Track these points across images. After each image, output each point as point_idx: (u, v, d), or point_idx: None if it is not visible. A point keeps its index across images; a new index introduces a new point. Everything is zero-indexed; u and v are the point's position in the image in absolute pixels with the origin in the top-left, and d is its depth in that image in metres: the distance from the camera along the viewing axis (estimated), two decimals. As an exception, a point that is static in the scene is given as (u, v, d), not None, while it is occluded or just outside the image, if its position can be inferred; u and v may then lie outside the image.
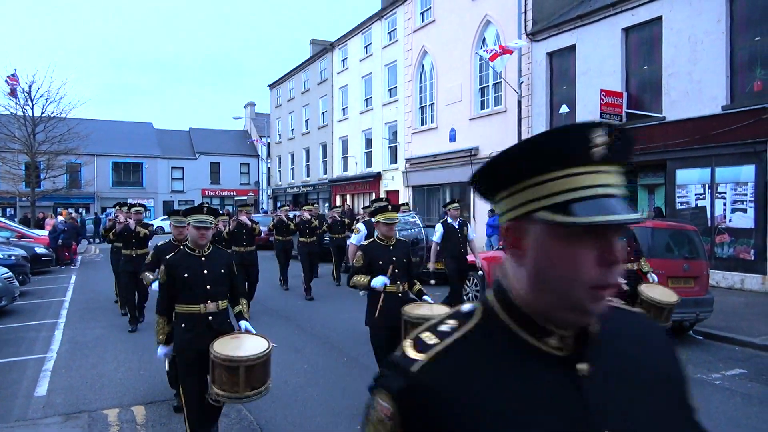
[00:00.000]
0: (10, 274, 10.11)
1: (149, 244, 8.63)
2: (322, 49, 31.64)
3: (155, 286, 5.00)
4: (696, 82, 12.20)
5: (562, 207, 0.79)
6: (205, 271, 3.88)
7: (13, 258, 12.30)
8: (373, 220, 5.22)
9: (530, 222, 0.83)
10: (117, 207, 10.01)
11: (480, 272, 9.39)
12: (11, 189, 28.54)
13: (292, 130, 36.39)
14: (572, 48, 15.40)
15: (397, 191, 23.60)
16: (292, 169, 36.45)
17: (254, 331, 3.94)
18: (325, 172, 31.60)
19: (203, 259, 3.92)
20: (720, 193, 11.85)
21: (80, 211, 32.90)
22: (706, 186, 12.09)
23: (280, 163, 38.91)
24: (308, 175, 34.00)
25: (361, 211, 13.34)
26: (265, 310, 9.57)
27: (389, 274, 4.65)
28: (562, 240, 0.80)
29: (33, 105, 26.95)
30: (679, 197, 12.64)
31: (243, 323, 3.99)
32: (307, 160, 34.12)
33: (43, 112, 27.16)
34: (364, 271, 4.73)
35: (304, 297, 10.82)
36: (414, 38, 22.84)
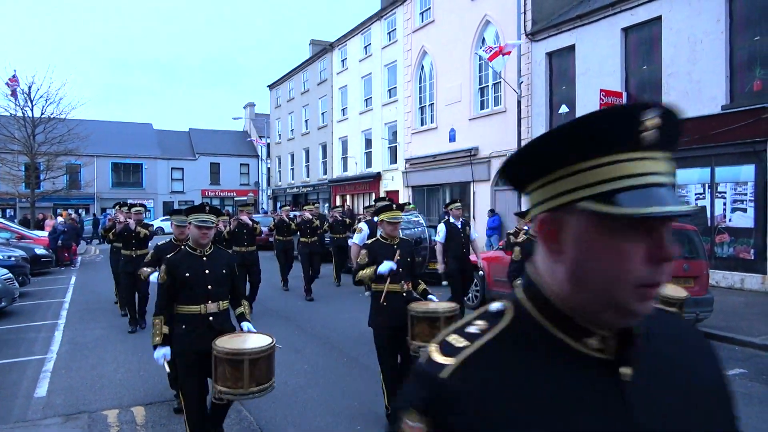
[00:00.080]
0: (10, 275, 10.11)
1: (149, 244, 8.62)
2: (322, 50, 31.65)
3: (153, 278, 4.98)
4: (695, 82, 12.20)
5: (607, 197, 0.72)
6: (207, 271, 3.84)
7: (12, 259, 12.30)
8: (375, 219, 5.22)
9: (570, 213, 0.76)
10: (117, 207, 9.99)
11: (481, 272, 9.38)
12: (11, 190, 28.56)
13: (291, 130, 36.39)
14: (572, 48, 15.41)
15: (397, 191, 23.60)
16: (292, 169, 36.45)
17: (256, 332, 3.93)
18: (325, 173, 31.60)
19: (205, 258, 3.89)
20: (720, 192, 11.86)
21: (80, 212, 32.91)
22: (706, 186, 12.10)
23: (279, 163, 38.91)
24: (308, 176, 34.00)
25: (363, 211, 13.33)
26: (265, 310, 9.56)
27: (396, 259, 4.63)
28: (607, 233, 0.73)
29: (33, 106, 26.97)
30: (679, 197, 12.62)
31: (245, 324, 3.95)
32: (307, 160, 34.12)
33: (42, 113, 27.17)
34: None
35: (304, 297, 10.82)
36: (413, 38, 22.84)
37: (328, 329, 8.26)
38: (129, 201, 10.28)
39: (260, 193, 43.65)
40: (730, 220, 11.70)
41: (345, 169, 29.25)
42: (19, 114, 26.81)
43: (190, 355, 3.74)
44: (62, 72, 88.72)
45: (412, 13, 22.94)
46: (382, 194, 23.51)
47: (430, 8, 21.86)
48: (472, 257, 8.90)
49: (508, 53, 14.44)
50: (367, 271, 4.61)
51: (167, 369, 3.66)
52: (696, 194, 12.30)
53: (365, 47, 27.10)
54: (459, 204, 8.65)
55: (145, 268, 5.85)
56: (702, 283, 7.71)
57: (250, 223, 9.66)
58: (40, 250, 15.73)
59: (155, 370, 6.07)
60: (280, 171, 38.92)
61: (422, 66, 22.66)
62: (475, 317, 0.84)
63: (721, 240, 11.84)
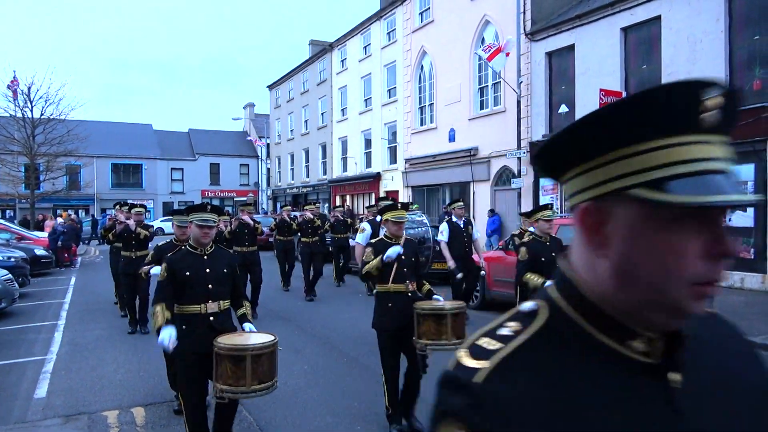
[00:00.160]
0: (10, 276, 10.11)
1: (149, 245, 8.58)
2: (321, 50, 31.66)
3: (155, 270, 4.93)
4: (695, 82, 12.19)
5: (660, 184, 0.65)
6: (208, 270, 3.79)
7: (12, 260, 12.30)
8: (378, 218, 5.19)
9: (618, 202, 0.69)
10: (117, 206, 9.93)
11: (482, 272, 9.36)
12: (11, 191, 28.56)
13: (291, 130, 36.40)
14: (571, 48, 15.41)
15: (397, 191, 23.59)
16: (292, 169, 36.45)
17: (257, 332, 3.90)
18: (325, 173, 31.61)
19: (206, 257, 3.84)
20: (720, 192, 11.84)
21: (79, 213, 32.90)
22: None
23: (279, 163, 38.92)
24: (308, 176, 34.00)
25: (366, 211, 13.33)
26: (265, 310, 9.55)
27: (402, 243, 4.62)
28: (660, 224, 0.67)
29: (32, 107, 26.99)
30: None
31: (247, 325, 3.90)
32: (307, 160, 34.12)
33: (42, 114, 27.19)
34: None
35: (304, 298, 10.82)
36: (413, 38, 22.85)
37: (328, 329, 8.26)
38: (129, 201, 10.21)
39: (260, 193, 43.65)
40: (730, 219, 11.69)
41: (345, 169, 29.25)
42: (19, 115, 26.82)
43: (190, 356, 3.68)
44: (62, 72, 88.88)
45: (412, 13, 22.94)
46: (381, 194, 23.52)
47: (429, 8, 21.87)
48: (474, 257, 8.90)
49: (509, 54, 14.43)
50: (373, 262, 4.56)
51: (171, 348, 3.49)
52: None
53: (365, 47, 27.11)
54: (461, 203, 8.64)
55: (145, 267, 5.82)
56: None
57: (252, 223, 9.62)
58: (39, 251, 15.73)
59: (155, 371, 6.08)
60: (279, 171, 38.92)
61: (422, 66, 22.66)
62: (506, 319, 0.78)
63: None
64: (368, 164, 27.08)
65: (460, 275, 8.32)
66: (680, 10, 12.53)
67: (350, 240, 12.70)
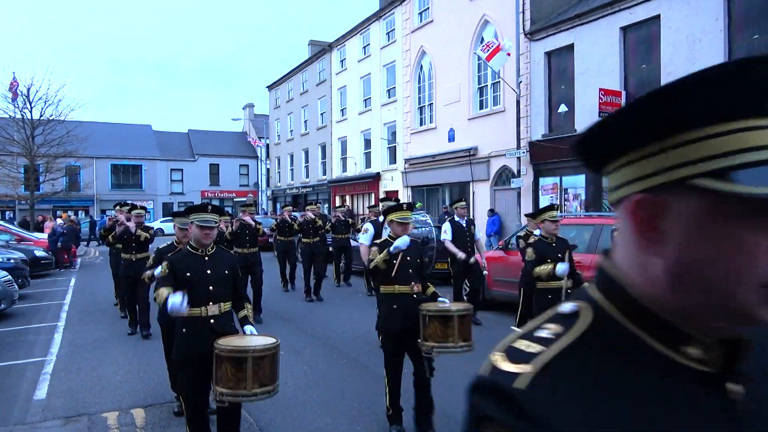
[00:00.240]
0: (10, 277, 10.10)
1: (149, 247, 8.53)
2: (321, 50, 31.65)
3: (157, 271, 4.88)
4: (694, 81, 12.20)
5: (727, 173, 0.59)
6: (209, 271, 3.75)
7: (12, 261, 12.29)
8: (380, 219, 5.16)
9: (677, 195, 0.62)
10: (117, 207, 9.88)
11: (485, 272, 9.36)
12: (10, 192, 28.55)
13: (291, 131, 36.40)
14: (570, 47, 15.41)
15: (397, 192, 23.58)
16: (291, 170, 36.44)
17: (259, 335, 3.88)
18: (325, 173, 31.61)
19: (207, 258, 3.80)
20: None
21: (79, 214, 32.88)
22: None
23: (279, 164, 38.91)
24: (307, 176, 34.00)
25: (368, 212, 13.33)
26: (265, 311, 9.53)
27: (408, 232, 4.61)
28: (727, 219, 0.60)
29: (32, 108, 26.99)
30: None
31: (248, 327, 3.86)
32: (306, 161, 34.12)
33: (41, 115, 27.18)
34: None
35: (304, 298, 10.81)
36: (412, 38, 22.84)
37: (328, 330, 8.25)
38: (129, 202, 10.16)
39: (260, 193, 43.64)
40: None
41: (344, 169, 29.25)
42: (18, 116, 26.83)
43: (190, 359, 3.65)
44: (61, 73, 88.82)
45: (411, 13, 22.94)
46: (381, 194, 23.52)
47: (428, 8, 21.86)
48: (476, 256, 8.90)
49: (509, 54, 14.43)
50: (381, 255, 4.50)
51: (184, 312, 3.44)
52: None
53: (364, 47, 27.11)
54: (464, 203, 8.66)
55: (148, 272, 5.79)
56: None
57: (253, 224, 9.59)
58: (39, 252, 15.71)
59: (155, 372, 6.08)
60: (279, 172, 38.90)
61: (421, 66, 22.66)
62: (544, 321, 0.71)
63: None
64: (368, 164, 27.08)
65: (472, 260, 8.44)
66: (679, 10, 12.53)
67: (351, 241, 12.69)
